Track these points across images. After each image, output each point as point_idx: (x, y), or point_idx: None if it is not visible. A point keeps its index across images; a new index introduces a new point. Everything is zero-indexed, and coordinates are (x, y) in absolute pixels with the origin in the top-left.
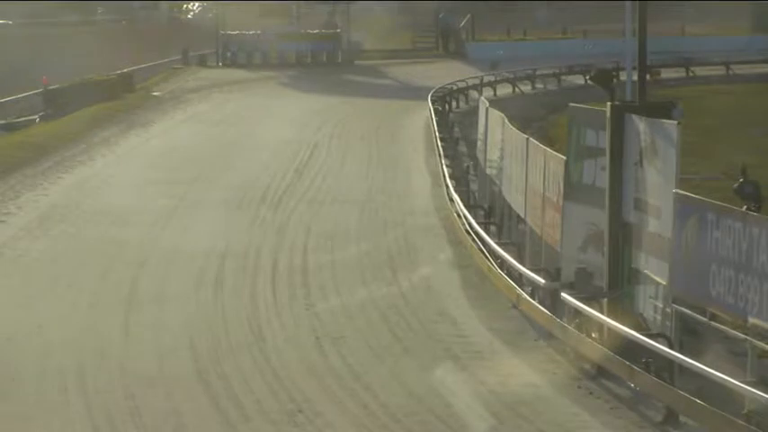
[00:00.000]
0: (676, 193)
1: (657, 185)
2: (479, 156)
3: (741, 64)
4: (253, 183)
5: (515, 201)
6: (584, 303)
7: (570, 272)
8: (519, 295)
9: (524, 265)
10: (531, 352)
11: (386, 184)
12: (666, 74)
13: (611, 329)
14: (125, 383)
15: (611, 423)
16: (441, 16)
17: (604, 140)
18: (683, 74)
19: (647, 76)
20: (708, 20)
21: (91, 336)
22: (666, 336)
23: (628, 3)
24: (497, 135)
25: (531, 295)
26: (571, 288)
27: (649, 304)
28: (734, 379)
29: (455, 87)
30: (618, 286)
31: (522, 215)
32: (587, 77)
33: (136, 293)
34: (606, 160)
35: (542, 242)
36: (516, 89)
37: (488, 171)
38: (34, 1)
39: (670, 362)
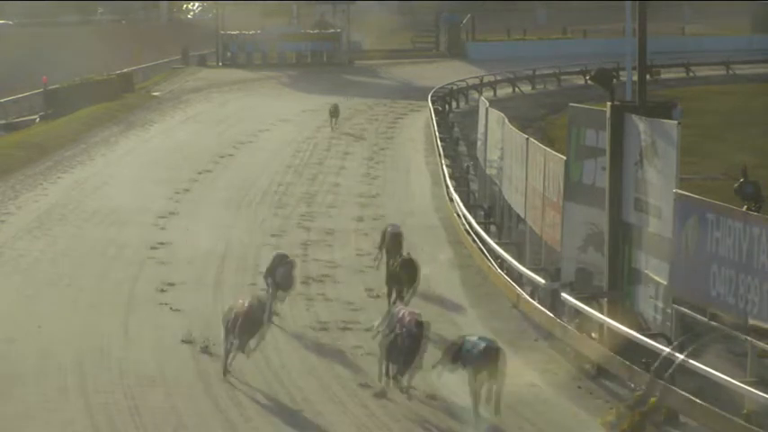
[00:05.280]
0: (676, 193)
1: (657, 185)
2: (479, 156)
3: (741, 64)
4: (253, 183)
5: (515, 201)
6: (584, 303)
7: (570, 272)
8: (519, 295)
9: (524, 265)
10: (531, 352)
11: (386, 183)
12: (666, 74)
13: (611, 329)
14: (125, 383)
15: None
16: (443, 16)
17: (604, 140)
18: (683, 74)
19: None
20: (708, 20)
21: (91, 335)
22: (666, 336)
23: (628, 3)
24: (497, 135)
25: (531, 295)
26: (571, 288)
27: (649, 304)
28: (734, 379)
29: (455, 87)
30: (618, 286)
31: (522, 215)
32: (587, 77)
33: (136, 293)
34: (606, 160)
35: (542, 242)
36: (516, 89)
37: (488, 171)
38: (34, 1)
39: (670, 362)
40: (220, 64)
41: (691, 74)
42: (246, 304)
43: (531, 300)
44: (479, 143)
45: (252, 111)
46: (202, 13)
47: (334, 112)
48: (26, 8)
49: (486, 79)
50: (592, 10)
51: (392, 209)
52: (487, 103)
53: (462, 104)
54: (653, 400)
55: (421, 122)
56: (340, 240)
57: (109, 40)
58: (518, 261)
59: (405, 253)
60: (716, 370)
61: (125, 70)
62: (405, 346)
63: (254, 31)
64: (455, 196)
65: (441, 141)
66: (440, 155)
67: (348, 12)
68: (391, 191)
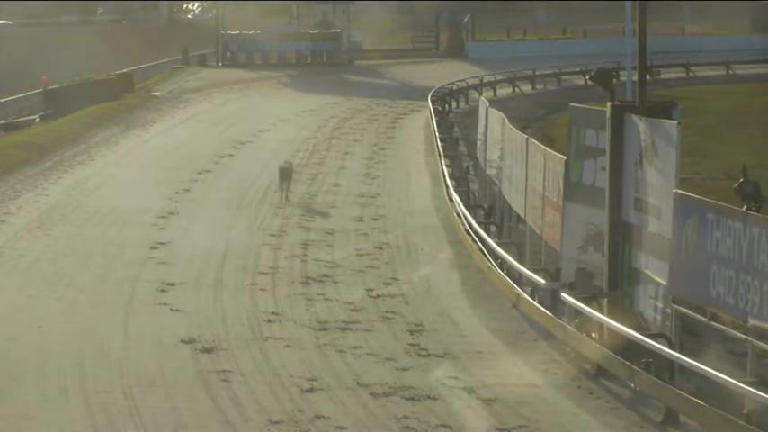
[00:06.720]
0: (676, 193)
1: (657, 185)
2: (479, 156)
3: (741, 64)
4: (253, 182)
5: (515, 201)
6: (584, 303)
7: (570, 272)
8: (519, 295)
9: (524, 265)
10: (531, 352)
11: (386, 183)
12: (666, 74)
13: (611, 329)
14: (125, 383)
15: (611, 423)
16: (443, 16)
17: (604, 140)
18: (683, 74)
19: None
20: (708, 20)
21: (91, 335)
22: (666, 336)
23: (628, 3)
24: (497, 135)
25: (531, 295)
26: (571, 288)
27: (649, 304)
28: (734, 379)
29: (455, 87)
30: (618, 286)
31: (522, 215)
32: (587, 77)
33: (136, 293)
34: (606, 160)
35: (542, 242)
36: (516, 89)
37: (488, 171)
38: (34, 1)
39: (670, 362)
40: (220, 64)
41: (691, 74)
42: None
43: (531, 300)
44: (479, 143)
45: (252, 111)
46: (202, 13)
47: (285, 175)
48: (26, 8)
49: (486, 79)
50: (592, 10)
51: (392, 209)
52: (487, 103)
53: (462, 104)
54: None
55: (421, 122)
56: (340, 240)
57: (109, 40)
58: (518, 261)
59: None
60: (716, 370)
61: (125, 70)
62: None
63: (254, 31)
64: (455, 196)
65: (441, 141)
66: (440, 155)
67: (348, 12)
68: (391, 191)
